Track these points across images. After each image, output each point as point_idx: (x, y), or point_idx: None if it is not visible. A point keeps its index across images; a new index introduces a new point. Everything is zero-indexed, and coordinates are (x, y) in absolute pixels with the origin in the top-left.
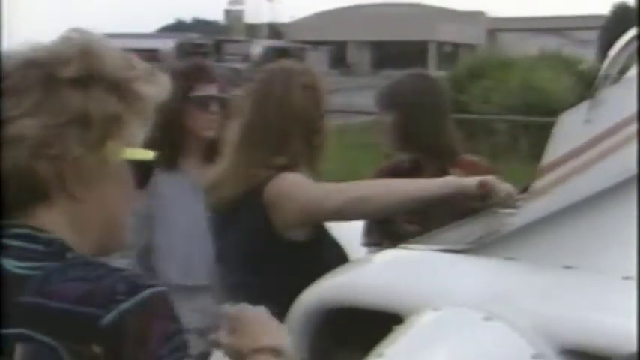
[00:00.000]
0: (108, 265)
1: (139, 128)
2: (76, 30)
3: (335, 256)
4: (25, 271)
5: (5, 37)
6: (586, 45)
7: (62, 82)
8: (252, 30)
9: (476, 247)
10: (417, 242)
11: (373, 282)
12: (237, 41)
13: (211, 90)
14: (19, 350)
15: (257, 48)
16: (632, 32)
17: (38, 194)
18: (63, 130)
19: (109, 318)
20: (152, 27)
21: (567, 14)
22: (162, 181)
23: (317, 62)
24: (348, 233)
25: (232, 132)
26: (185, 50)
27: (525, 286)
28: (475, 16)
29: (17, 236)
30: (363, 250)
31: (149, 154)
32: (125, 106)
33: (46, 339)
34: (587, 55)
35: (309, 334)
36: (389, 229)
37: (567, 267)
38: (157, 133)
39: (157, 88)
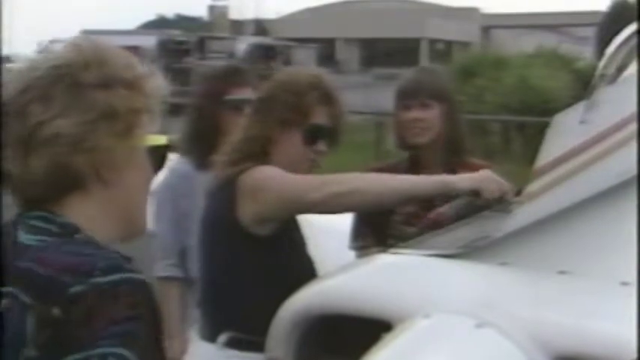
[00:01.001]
0: (105, 248)
1: (153, 119)
2: (82, 36)
3: (297, 256)
4: (31, 242)
5: None
6: (584, 42)
7: (85, 86)
8: (237, 26)
9: (468, 252)
10: (407, 247)
11: (361, 288)
12: (221, 38)
13: (245, 93)
14: (1, 305)
15: (242, 45)
16: (630, 29)
17: (75, 184)
18: (93, 126)
19: (76, 288)
20: (132, 23)
21: (564, 10)
22: (197, 181)
23: (304, 60)
24: (335, 236)
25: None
26: (167, 47)
27: (519, 293)
28: (468, 12)
29: (37, 217)
30: (350, 255)
31: (162, 139)
32: (144, 100)
33: (24, 298)
34: (585, 53)
35: (295, 341)
36: (383, 231)
37: (562, 272)
38: (192, 134)
39: (160, 84)
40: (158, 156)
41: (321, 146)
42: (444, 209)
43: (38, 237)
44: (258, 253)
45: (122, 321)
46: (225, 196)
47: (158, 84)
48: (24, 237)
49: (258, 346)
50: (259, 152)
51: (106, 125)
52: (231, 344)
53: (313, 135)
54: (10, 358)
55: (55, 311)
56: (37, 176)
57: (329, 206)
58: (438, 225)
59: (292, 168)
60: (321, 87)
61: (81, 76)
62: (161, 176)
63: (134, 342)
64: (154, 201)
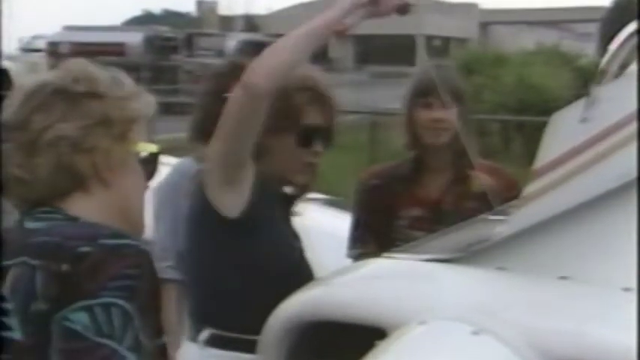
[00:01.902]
0: (109, 226)
1: (144, 128)
2: (73, 61)
3: (277, 245)
4: (38, 226)
5: None
6: (586, 38)
7: (80, 96)
8: (227, 22)
9: (464, 257)
10: (402, 251)
11: (354, 294)
12: (210, 35)
13: None
14: (10, 273)
15: (232, 42)
16: (634, 25)
17: (77, 183)
18: (92, 129)
19: (84, 248)
20: (118, 19)
21: (565, 6)
22: None
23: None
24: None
25: None
26: (154, 44)
27: (517, 298)
28: (466, 8)
29: (42, 211)
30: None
31: (153, 147)
32: (135, 110)
33: (33, 262)
34: (587, 50)
35: (286, 349)
36: (386, 236)
37: (563, 278)
38: (197, 132)
39: (149, 99)
40: (150, 163)
41: (317, 147)
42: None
43: (45, 223)
44: (234, 240)
45: (125, 277)
46: (196, 189)
47: (147, 99)
48: (31, 224)
49: (239, 344)
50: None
51: (102, 130)
52: (212, 342)
53: (307, 137)
54: (19, 314)
55: (64, 267)
56: (42, 176)
57: (263, 81)
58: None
59: (290, 173)
60: (311, 86)
61: (71, 87)
62: (163, 174)
63: (135, 297)
64: (154, 200)
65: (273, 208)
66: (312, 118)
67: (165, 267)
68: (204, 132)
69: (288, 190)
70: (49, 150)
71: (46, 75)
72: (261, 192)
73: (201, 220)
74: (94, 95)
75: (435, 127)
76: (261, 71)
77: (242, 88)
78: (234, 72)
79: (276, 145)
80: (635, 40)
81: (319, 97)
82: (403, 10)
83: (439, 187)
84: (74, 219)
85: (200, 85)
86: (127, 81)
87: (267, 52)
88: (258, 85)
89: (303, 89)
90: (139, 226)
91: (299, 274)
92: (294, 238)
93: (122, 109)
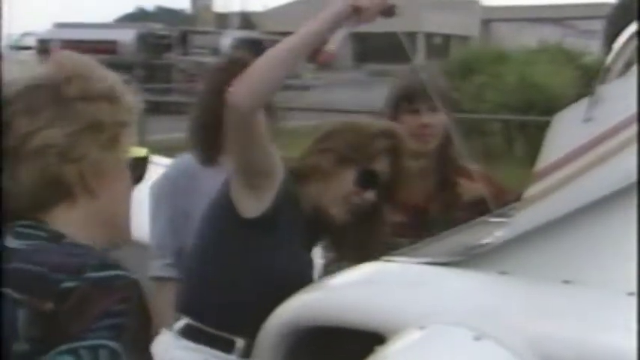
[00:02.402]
0: (96, 249)
1: (133, 131)
2: (65, 55)
3: (281, 249)
4: (20, 247)
5: None
6: (590, 36)
7: (70, 98)
8: (222, 20)
9: (465, 260)
10: (401, 254)
11: (352, 298)
12: (205, 32)
13: None
14: None
15: (227, 40)
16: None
17: (63, 194)
18: (80, 136)
19: (69, 283)
20: (110, 16)
21: (569, 2)
22: (202, 177)
23: None
24: None
25: None
26: (147, 42)
27: (519, 303)
28: (467, 5)
29: (24, 225)
30: None
31: (143, 152)
32: (126, 113)
33: (15, 295)
34: (592, 47)
35: (282, 355)
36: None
37: (566, 282)
38: (197, 129)
39: (136, 98)
40: (138, 168)
41: (370, 195)
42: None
43: (28, 242)
44: (240, 239)
45: (113, 315)
46: (222, 187)
47: (135, 98)
48: (13, 242)
49: (213, 340)
50: (301, 175)
51: (92, 136)
52: (185, 333)
53: (367, 179)
54: (1, 354)
55: (48, 305)
56: (25, 187)
57: (250, 94)
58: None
59: (332, 203)
60: (393, 137)
61: (63, 90)
62: (160, 172)
63: (123, 334)
64: (151, 196)
65: (291, 217)
66: (380, 166)
67: (163, 265)
68: (204, 129)
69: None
70: (35, 158)
71: (34, 72)
72: (284, 200)
73: (217, 213)
74: (87, 98)
75: (423, 133)
76: (242, 90)
77: (227, 107)
78: (232, 68)
79: (334, 173)
80: (636, 41)
81: (395, 150)
82: (388, 12)
83: (423, 192)
84: (58, 237)
85: (199, 83)
86: (119, 80)
87: (248, 70)
88: (240, 104)
89: (384, 136)
90: (125, 233)
91: (297, 284)
92: (306, 250)
93: (114, 113)
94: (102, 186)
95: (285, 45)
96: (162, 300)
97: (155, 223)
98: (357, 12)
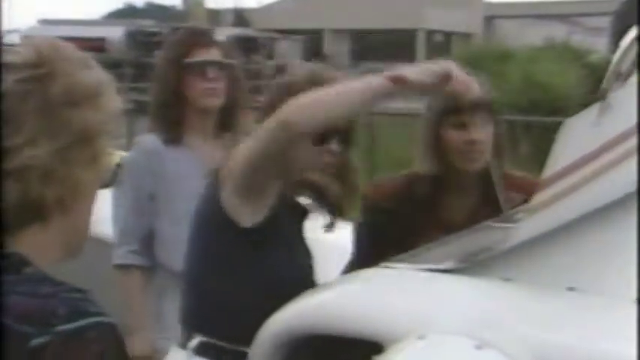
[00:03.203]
0: (62, 285)
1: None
2: (50, 47)
3: (285, 257)
4: None
5: None
6: (597, 33)
7: (56, 104)
8: (215, 16)
9: (467, 267)
10: (400, 260)
11: (349, 306)
12: None
13: (208, 55)
14: None
15: (220, 37)
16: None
17: (37, 216)
18: (66, 153)
19: (39, 340)
20: (98, 12)
21: None
22: (166, 158)
23: (289, 53)
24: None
25: None
26: (136, 40)
27: (523, 311)
28: (470, 1)
29: None
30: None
31: (116, 157)
32: (108, 117)
33: None
34: (599, 45)
35: None
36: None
37: (571, 289)
38: (157, 106)
39: (120, 98)
40: (111, 176)
41: (333, 146)
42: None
43: None
44: (240, 249)
45: None
46: (209, 187)
47: (119, 100)
48: None
49: (230, 355)
50: None
51: (78, 152)
52: (201, 351)
53: (321, 135)
54: None
55: None
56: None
57: (295, 124)
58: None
59: (306, 172)
60: (322, 82)
61: (50, 91)
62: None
63: None
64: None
65: (288, 222)
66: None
67: (127, 252)
68: (165, 107)
69: (303, 202)
70: (14, 180)
71: (18, 66)
72: (280, 206)
73: (211, 223)
74: (72, 102)
75: (471, 150)
76: (303, 113)
77: (280, 125)
78: (192, 38)
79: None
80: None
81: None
82: (442, 84)
83: (465, 209)
84: (19, 264)
85: (159, 52)
86: (105, 77)
87: (312, 95)
88: (297, 124)
89: (312, 84)
90: (82, 248)
91: (300, 289)
92: (305, 255)
93: (101, 121)
94: (76, 204)
95: (361, 84)
96: (127, 290)
97: (118, 207)
98: (400, 82)
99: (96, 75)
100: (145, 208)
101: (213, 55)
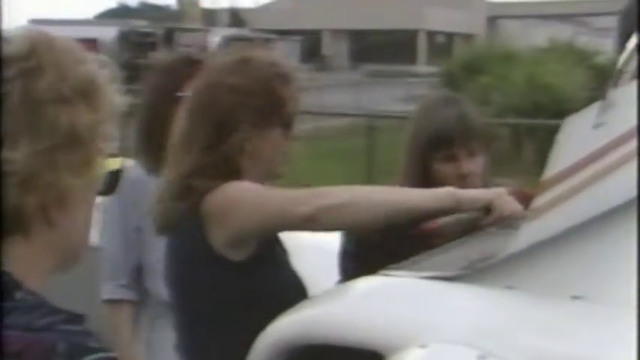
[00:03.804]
0: (58, 313)
1: (109, 138)
2: (37, 39)
3: (282, 280)
4: None
5: None
6: (604, 33)
7: (43, 101)
8: (210, 16)
9: (469, 274)
10: (400, 268)
11: (348, 315)
12: (191, 30)
13: None
14: None
15: (215, 38)
16: None
17: (17, 228)
18: (51, 156)
19: None
20: (90, 12)
21: None
22: (150, 187)
23: (287, 55)
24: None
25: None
26: (129, 40)
27: (527, 320)
28: (472, 1)
29: None
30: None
31: (117, 163)
32: (106, 117)
33: None
34: (605, 46)
35: None
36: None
37: (576, 297)
38: (144, 136)
39: (117, 90)
40: (111, 182)
41: (293, 133)
42: (446, 220)
43: None
44: (236, 282)
45: None
46: (190, 226)
47: (119, 97)
48: None
49: None
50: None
51: (66, 155)
52: None
53: (290, 126)
54: None
55: None
56: None
57: (319, 221)
58: (433, 236)
59: (276, 167)
60: (282, 71)
61: (37, 86)
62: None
63: None
64: (101, 212)
65: (275, 245)
66: (291, 104)
67: (116, 286)
68: (151, 135)
69: None
70: None
71: (5, 58)
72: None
73: (196, 261)
74: (60, 98)
75: (462, 183)
76: (330, 213)
77: (302, 216)
78: (179, 68)
79: (264, 143)
80: None
81: (288, 79)
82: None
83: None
84: (14, 287)
85: (147, 79)
86: (101, 70)
87: (343, 197)
88: (320, 223)
89: (280, 76)
90: (80, 259)
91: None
92: (296, 276)
93: (97, 122)
94: (64, 215)
95: (388, 195)
96: (116, 325)
97: (106, 242)
98: (487, 211)
99: (91, 70)
100: (132, 241)
101: None
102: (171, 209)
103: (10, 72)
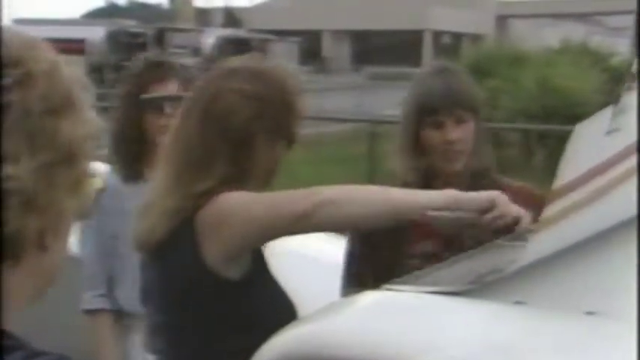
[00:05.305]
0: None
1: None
2: (28, 43)
3: (270, 299)
4: None
5: None
6: (618, 33)
7: (38, 114)
8: (204, 16)
9: (476, 289)
10: (404, 282)
11: (351, 331)
12: (184, 30)
13: (167, 89)
14: None
15: (210, 39)
16: None
17: (12, 255)
18: (51, 173)
19: None
20: (78, 11)
21: None
22: (126, 196)
23: (284, 56)
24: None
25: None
26: (118, 41)
27: (538, 337)
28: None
29: None
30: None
31: (98, 182)
32: (92, 132)
33: None
34: (620, 47)
35: None
36: (391, 274)
37: (590, 313)
38: (117, 142)
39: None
40: (92, 204)
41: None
42: (438, 214)
43: None
44: (231, 300)
45: None
46: (181, 242)
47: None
48: None
49: None
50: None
51: (62, 172)
52: None
53: (293, 137)
54: None
55: None
56: None
57: (316, 218)
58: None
59: (271, 177)
60: (288, 85)
61: (30, 99)
62: None
63: None
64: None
65: (266, 264)
66: (300, 117)
67: (94, 296)
68: (126, 143)
69: None
70: None
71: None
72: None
73: (189, 280)
74: (52, 109)
75: (449, 150)
76: (329, 209)
77: (298, 215)
78: (151, 71)
79: (272, 155)
80: None
81: (299, 91)
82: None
83: None
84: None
85: (119, 86)
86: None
87: (340, 193)
88: (318, 221)
89: (294, 87)
90: (46, 292)
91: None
92: (286, 295)
93: (85, 137)
94: (56, 240)
95: (386, 195)
96: (97, 335)
97: (83, 253)
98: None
99: (75, 81)
100: (109, 249)
101: (170, 89)
102: (160, 225)
103: (5, 80)
